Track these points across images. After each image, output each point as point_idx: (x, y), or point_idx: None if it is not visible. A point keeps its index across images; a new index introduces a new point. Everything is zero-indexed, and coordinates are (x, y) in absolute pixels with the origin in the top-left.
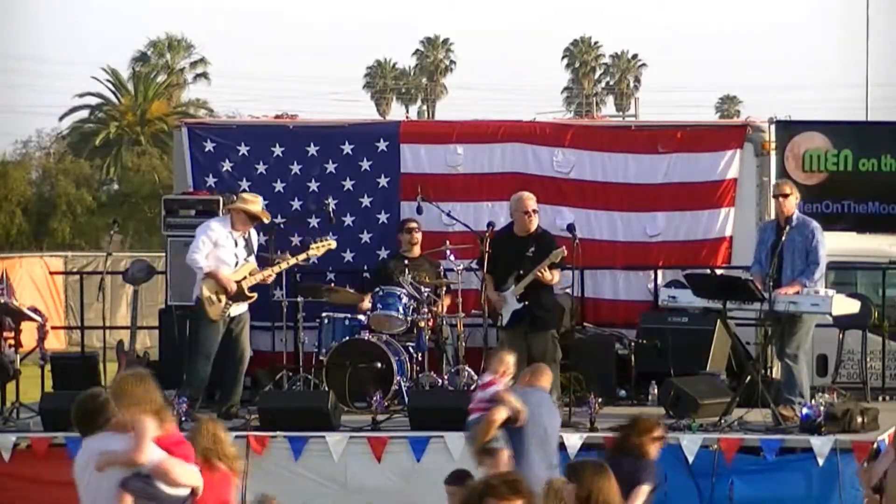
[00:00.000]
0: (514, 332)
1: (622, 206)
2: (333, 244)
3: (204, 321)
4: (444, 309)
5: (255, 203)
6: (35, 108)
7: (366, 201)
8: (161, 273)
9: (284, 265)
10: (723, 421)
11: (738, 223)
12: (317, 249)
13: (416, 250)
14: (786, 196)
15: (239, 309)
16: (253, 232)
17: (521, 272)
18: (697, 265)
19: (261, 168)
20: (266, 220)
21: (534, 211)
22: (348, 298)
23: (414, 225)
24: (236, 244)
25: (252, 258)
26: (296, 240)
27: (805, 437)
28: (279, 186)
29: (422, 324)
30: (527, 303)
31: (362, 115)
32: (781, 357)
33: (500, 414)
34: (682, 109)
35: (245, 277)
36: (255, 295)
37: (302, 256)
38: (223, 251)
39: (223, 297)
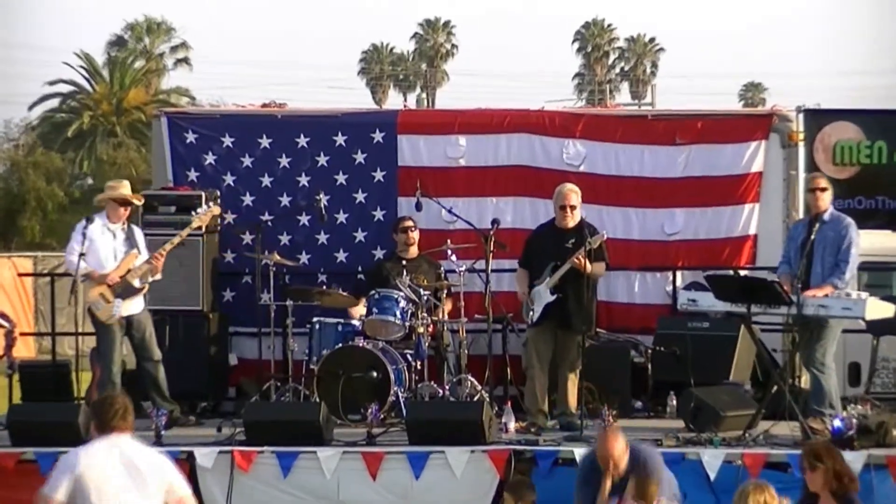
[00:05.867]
0: (544, 328)
1: (638, 202)
2: (217, 210)
3: (99, 328)
4: (445, 314)
5: (122, 187)
6: (2, 96)
7: (360, 197)
8: None
9: (169, 247)
10: (747, 434)
11: (764, 220)
12: (199, 220)
13: (414, 250)
14: (823, 190)
15: (132, 308)
16: (137, 228)
17: (558, 263)
18: (719, 266)
19: (247, 161)
20: (139, 203)
21: (572, 207)
22: (341, 302)
23: (409, 224)
24: (115, 236)
25: (136, 250)
26: (284, 239)
27: None
28: (267, 181)
29: (421, 329)
30: (560, 296)
31: (357, 103)
32: (808, 366)
33: None
34: (702, 97)
35: (129, 271)
36: (146, 287)
37: (185, 232)
38: (101, 248)
39: (110, 296)
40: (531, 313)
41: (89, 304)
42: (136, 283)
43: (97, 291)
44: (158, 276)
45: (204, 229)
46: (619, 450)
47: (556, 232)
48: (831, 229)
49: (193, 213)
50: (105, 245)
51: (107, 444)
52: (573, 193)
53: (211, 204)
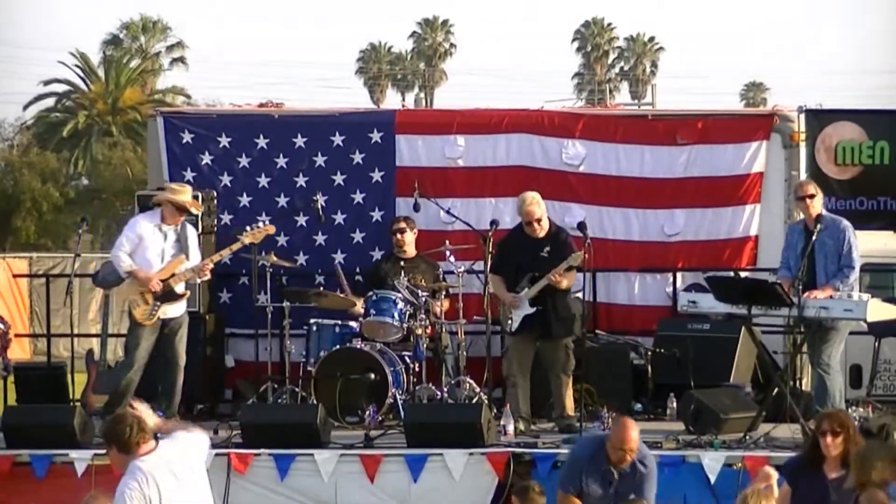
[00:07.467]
0: (524, 338)
1: (638, 202)
2: (272, 229)
3: (132, 325)
4: (442, 310)
5: (183, 192)
6: None
7: (358, 197)
8: None
9: (217, 258)
10: (748, 437)
11: (765, 221)
12: (252, 236)
13: (410, 250)
14: (812, 197)
15: (173, 311)
16: (191, 229)
17: (536, 274)
18: (720, 267)
19: (243, 161)
20: (197, 212)
21: (538, 220)
22: (339, 303)
23: (401, 226)
24: (165, 238)
25: (183, 255)
26: (282, 239)
27: None
28: (264, 181)
29: (419, 331)
30: (539, 308)
31: (354, 103)
32: (815, 366)
33: None
34: (703, 97)
35: (174, 275)
36: (188, 293)
37: (236, 246)
38: (149, 248)
39: (150, 298)
40: (509, 322)
41: (128, 301)
42: (179, 288)
43: (137, 291)
44: (203, 278)
45: (201, 230)
46: (636, 441)
47: (528, 240)
48: (829, 237)
49: (247, 228)
50: (154, 245)
51: (144, 465)
52: (535, 206)
53: (267, 221)
